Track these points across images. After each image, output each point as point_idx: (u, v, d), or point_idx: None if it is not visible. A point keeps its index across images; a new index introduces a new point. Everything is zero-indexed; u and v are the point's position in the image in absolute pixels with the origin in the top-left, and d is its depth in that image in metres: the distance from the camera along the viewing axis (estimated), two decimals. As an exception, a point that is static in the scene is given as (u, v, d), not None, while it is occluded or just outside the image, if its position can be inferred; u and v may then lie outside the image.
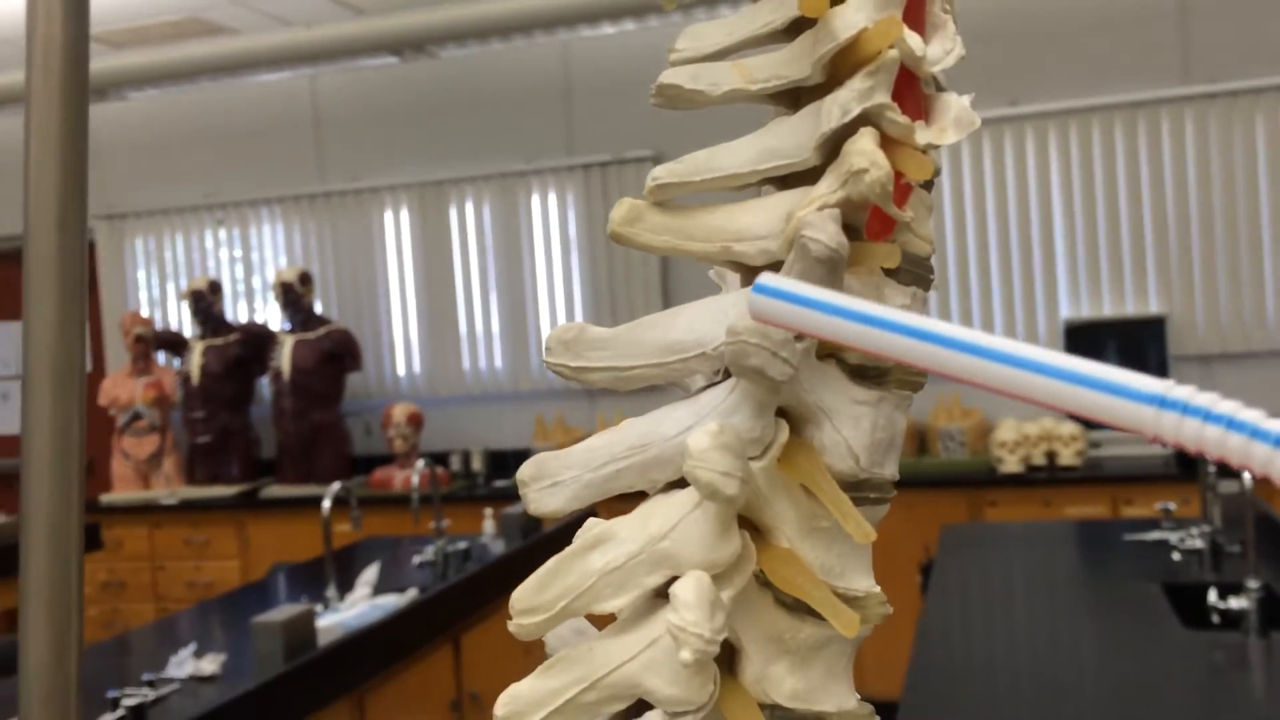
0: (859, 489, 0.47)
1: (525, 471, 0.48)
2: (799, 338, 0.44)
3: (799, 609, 0.47)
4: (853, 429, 0.47)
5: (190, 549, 5.38)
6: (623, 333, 0.48)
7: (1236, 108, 4.65)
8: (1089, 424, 4.64)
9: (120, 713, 2.14)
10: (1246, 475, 2.49)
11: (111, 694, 2.19)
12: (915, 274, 0.49)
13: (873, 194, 0.43)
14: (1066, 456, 4.49)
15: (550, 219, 5.48)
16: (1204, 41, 4.71)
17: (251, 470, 5.68)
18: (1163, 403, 0.31)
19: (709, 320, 0.47)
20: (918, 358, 0.34)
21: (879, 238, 0.47)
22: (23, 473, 0.51)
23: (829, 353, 0.47)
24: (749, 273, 0.48)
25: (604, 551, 0.45)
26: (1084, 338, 4.75)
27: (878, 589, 0.49)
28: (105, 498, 5.61)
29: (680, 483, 0.46)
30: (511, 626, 0.45)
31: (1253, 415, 0.30)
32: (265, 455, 5.80)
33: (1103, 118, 4.79)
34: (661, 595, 0.44)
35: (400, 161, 5.69)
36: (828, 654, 0.48)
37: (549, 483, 0.47)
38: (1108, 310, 4.84)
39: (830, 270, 0.43)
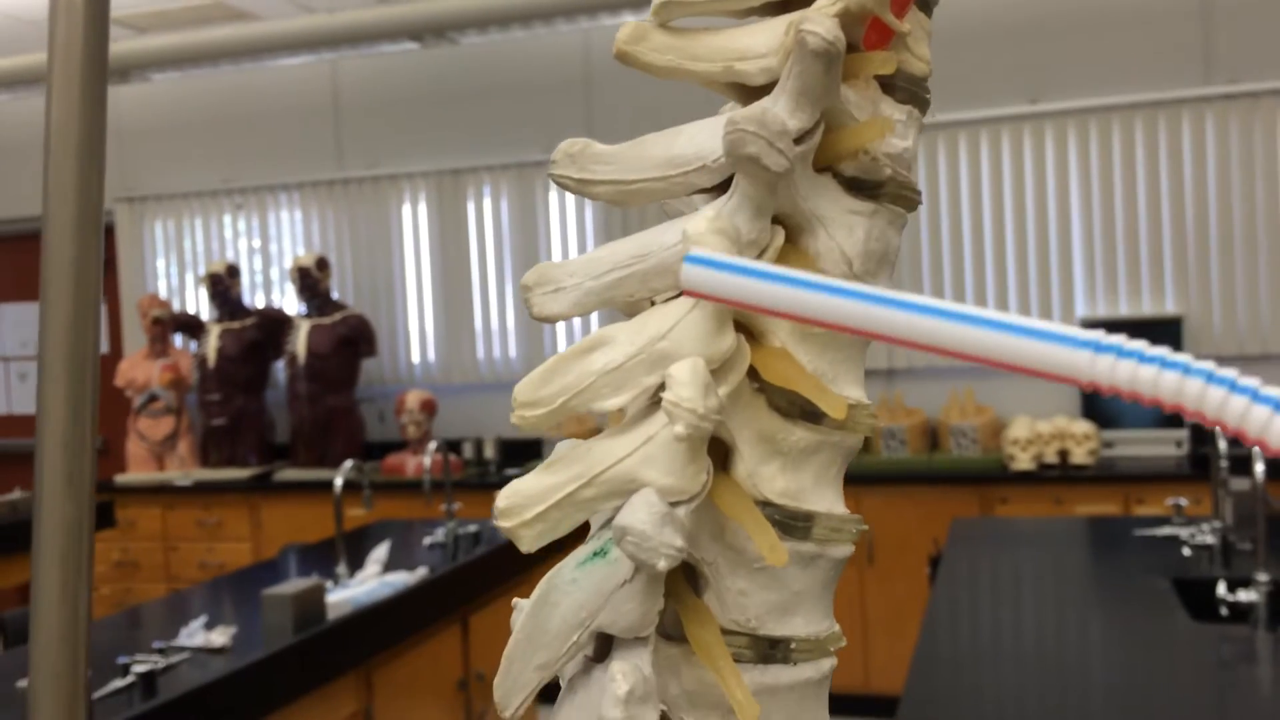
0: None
1: (528, 278, 0.48)
2: (799, 140, 0.45)
3: (791, 414, 0.47)
4: (846, 236, 0.48)
5: (203, 530, 5.41)
6: (626, 148, 0.49)
7: (1258, 109, 4.62)
8: (1102, 422, 4.63)
9: (131, 679, 2.15)
10: (1259, 470, 2.48)
11: (122, 660, 2.21)
12: (912, 92, 0.50)
13: (870, 2, 0.44)
14: (1079, 455, 4.47)
15: (567, 209, 5.49)
16: (1226, 42, 4.69)
17: (265, 454, 5.71)
18: (1097, 347, 0.31)
19: (709, 135, 0.48)
20: (854, 320, 0.34)
21: (876, 49, 0.47)
22: (37, 451, 0.52)
23: (826, 165, 0.48)
24: (749, 94, 0.48)
25: (604, 352, 0.46)
26: (1099, 337, 4.73)
27: (869, 402, 0.50)
28: (120, 478, 5.65)
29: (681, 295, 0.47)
30: (514, 418, 0.46)
31: (1183, 356, 0.30)
32: (279, 439, 5.84)
33: (1123, 116, 4.78)
34: (659, 400, 0.45)
35: (419, 149, 5.72)
36: (819, 459, 0.48)
37: (552, 288, 0.47)
38: (1124, 310, 4.82)
39: (827, 66, 0.44)
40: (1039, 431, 4.53)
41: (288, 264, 5.83)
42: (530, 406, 0.46)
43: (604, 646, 0.46)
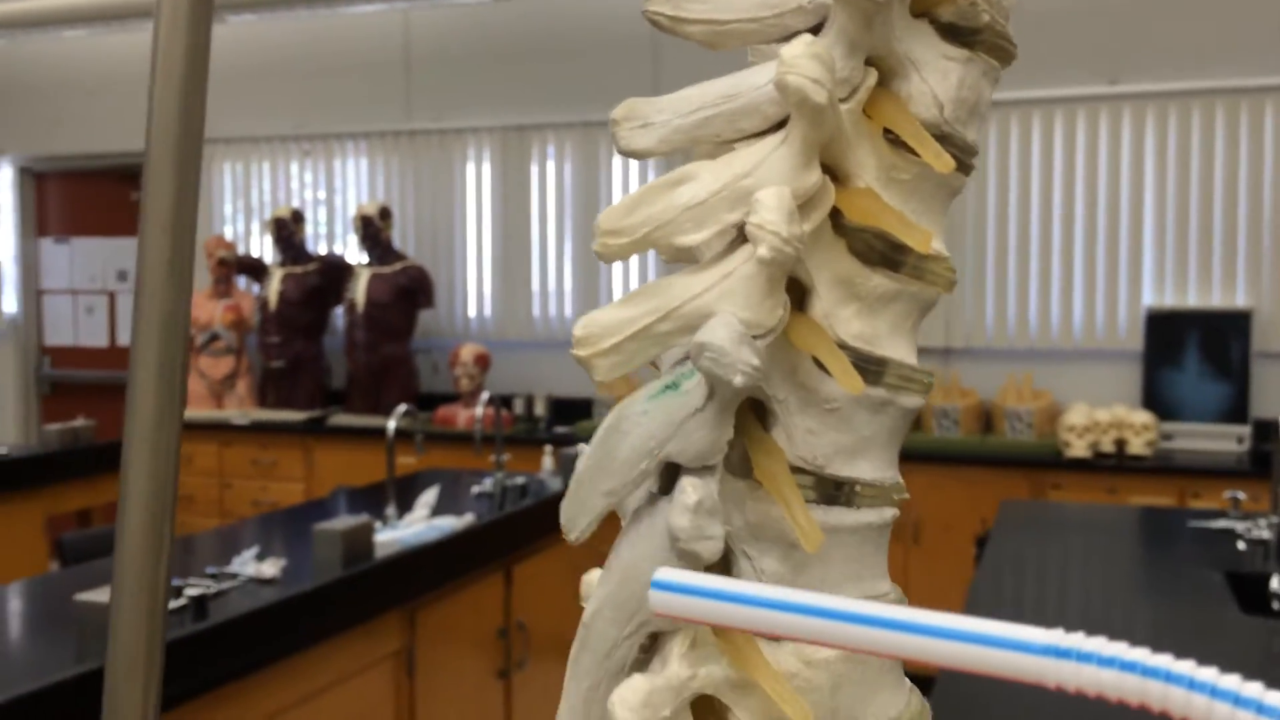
0: (940, 143, 0.47)
1: (618, 112, 0.48)
2: None
3: (871, 260, 0.47)
4: (940, 80, 0.47)
5: (257, 469, 5.52)
6: None
7: (1348, 100, 4.47)
8: (1162, 414, 4.55)
9: (183, 601, 2.21)
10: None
11: (175, 583, 2.27)
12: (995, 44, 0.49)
13: None
14: (1136, 446, 4.40)
15: (630, 170, 5.47)
16: (1319, 29, 4.54)
17: (320, 398, 5.80)
18: (1057, 652, 0.32)
19: None
20: (818, 634, 0.35)
21: None
22: (130, 378, 0.53)
23: (923, 10, 0.47)
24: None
25: (689, 187, 0.45)
26: (1165, 327, 4.64)
27: (948, 254, 0.49)
28: (180, 413, 5.77)
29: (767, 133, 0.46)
30: (596, 246, 0.46)
31: (1139, 654, 0.31)
32: (335, 385, 5.92)
33: (1204, 102, 4.65)
34: (741, 238, 0.45)
35: (485, 104, 5.73)
36: (895, 308, 0.48)
37: (640, 123, 0.47)
38: (1192, 300, 4.71)
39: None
40: (1096, 419, 4.46)
41: (351, 212, 5.89)
42: (614, 235, 0.46)
43: (669, 481, 0.46)
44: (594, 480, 0.45)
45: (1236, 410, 4.51)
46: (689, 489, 0.42)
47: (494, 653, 3.04)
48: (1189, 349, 4.60)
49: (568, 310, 5.60)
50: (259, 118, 6.18)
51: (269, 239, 5.97)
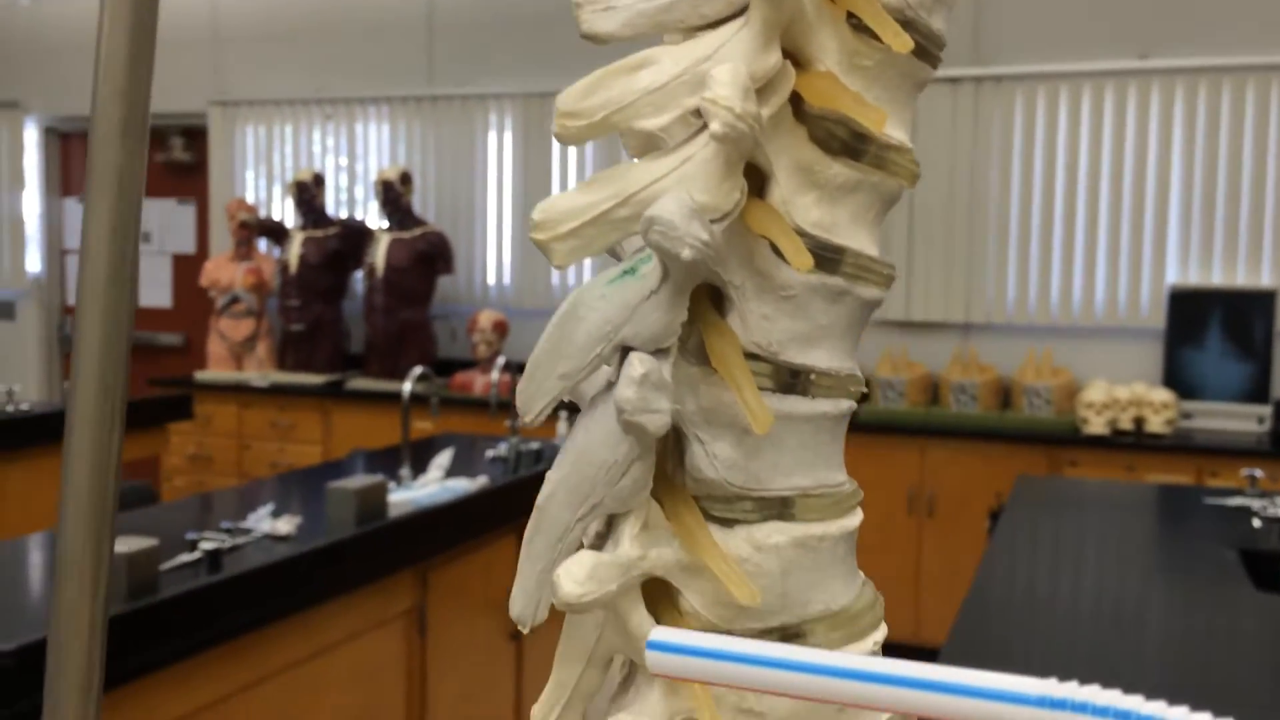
0: (904, 29, 0.46)
1: None
2: None
3: (832, 148, 0.47)
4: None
5: (276, 431, 5.56)
6: None
7: (1382, 77, 4.40)
8: (1183, 392, 4.51)
9: (198, 555, 2.23)
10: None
11: (190, 537, 2.29)
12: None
13: None
14: (1155, 424, 4.37)
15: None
16: (1355, 4, 4.46)
17: (339, 362, 5.82)
18: (1051, 703, 0.32)
19: None
20: (812, 690, 0.35)
21: None
22: (74, 351, 0.52)
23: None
24: None
25: (649, 71, 0.45)
26: (1188, 305, 4.60)
27: (912, 147, 0.49)
28: (199, 374, 5.82)
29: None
30: (555, 128, 0.46)
31: (1133, 702, 0.31)
32: (353, 349, 5.95)
33: (1235, 79, 4.58)
34: (703, 125, 0.44)
35: (508, 71, 5.71)
36: (856, 199, 0.48)
37: (603, 6, 0.47)
38: (1217, 279, 4.66)
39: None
40: (1115, 397, 4.43)
41: (372, 177, 5.89)
42: (572, 116, 0.46)
43: None
44: (550, 364, 0.45)
45: (1258, 390, 4.47)
46: (635, 362, 0.42)
47: (505, 615, 3.06)
48: (1211, 328, 4.56)
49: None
50: (281, 80, 6.18)
51: (290, 202, 5.99)
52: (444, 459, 3.16)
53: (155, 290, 6.73)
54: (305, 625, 2.34)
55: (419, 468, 3.20)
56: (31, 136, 6.82)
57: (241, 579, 2.16)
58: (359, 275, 5.83)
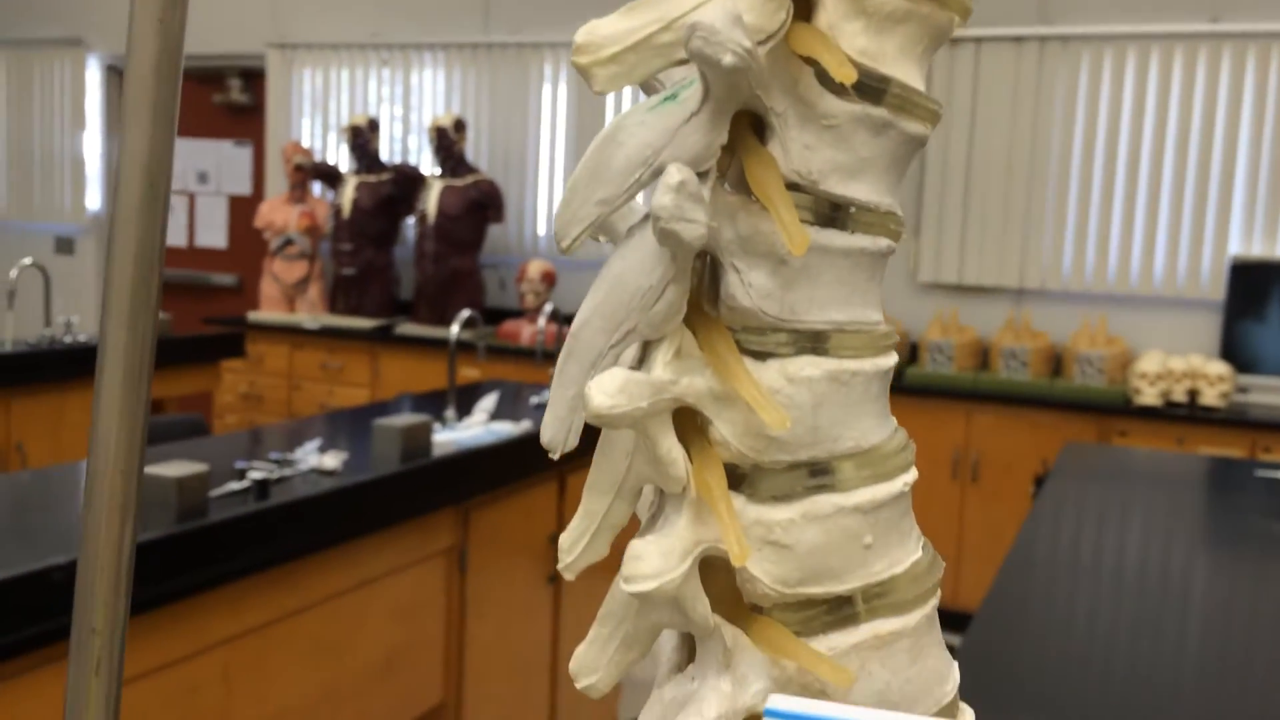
0: None
1: None
2: None
3: None
4: None
5: (326, 373, 5.64)
6: None
7: None
8: (1240, 366, 4.42)
9: (246, 484, 2.28)
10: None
11: (239, 466, 2.34)
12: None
13: None
14: (1210, 397, 4.29)
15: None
16: None
17: (389, 307, 5.88)
18: None
19: None
20: None
21: None
22: (105, 283, 0.53)
23: None
24: None
25: None
26: (1250, 277, 4.49)
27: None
28: (252, 315, 5.90)
29: None
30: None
31: None
32: (403, 295, 6.00)
33: (1312, 44, 4.43)
34: None
35: (565, 19, 5.67)
36: (905, 30, 0.46)
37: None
38: (1281, 252, 4.55)
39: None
40: (1170, 368, 4.35)
41: (426, 123, 5.90)
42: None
43: None
44: (588, 189, 0.45)
45: (1318, 366, 4.37)
46: (673, 170, 0.41)
47: (545, 558, 3.10)
48: (1273, 301, 4.46)
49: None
50: (338, 25, 6.20)
51: (345, 147, 6.02)
52: (489, 402, 3.19)
53: (211, 231, 6.82)
54: (348, 557, 2.38)
55: (464, 411, 3.23)
56: (94, 74, 6.91)
57: (288, 508, 2.20)
58: (410, 221, 5.86)
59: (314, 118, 6.34)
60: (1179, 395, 4.33)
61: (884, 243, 0.48)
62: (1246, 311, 4.49)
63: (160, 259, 0.52)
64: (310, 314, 5.87)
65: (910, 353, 5.02)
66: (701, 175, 0.44)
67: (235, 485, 2.27)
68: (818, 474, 0.46)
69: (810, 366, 0.46)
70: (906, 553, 0.48)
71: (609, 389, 0.43)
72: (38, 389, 3.89)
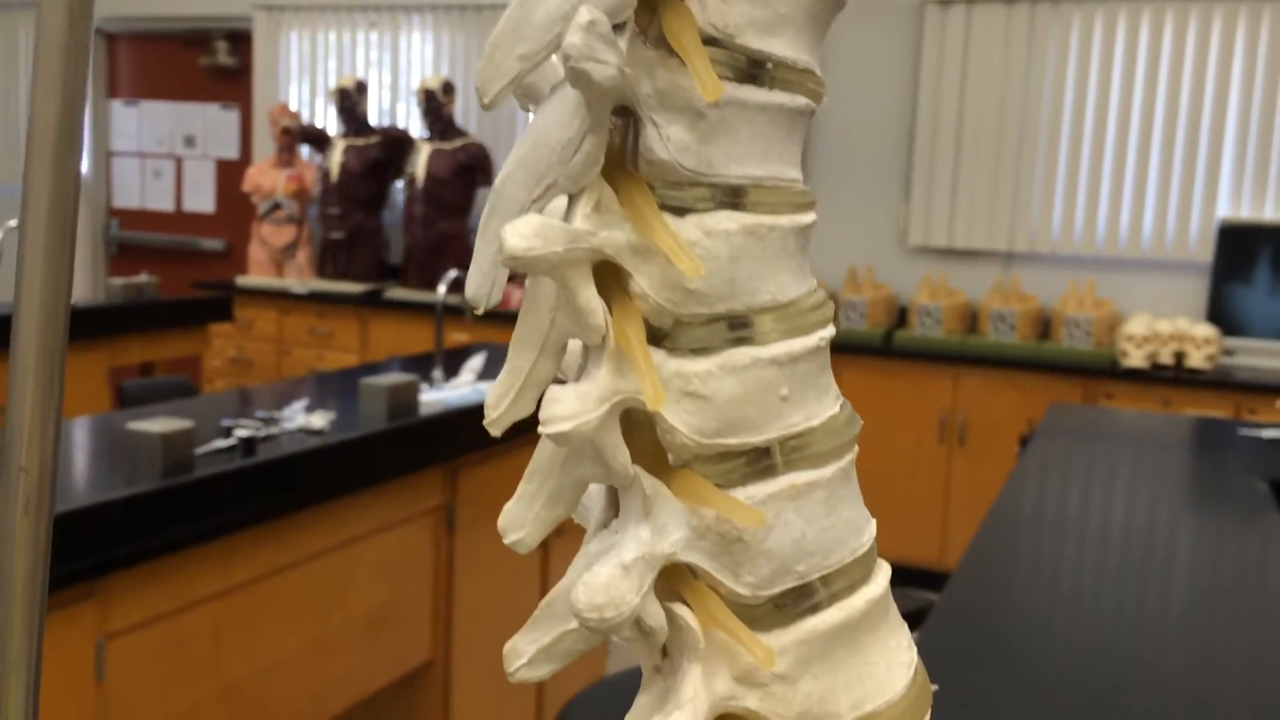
0: None
1: None
2: None
3: None
4: None
5: (314, 337, 5.63)
6: None
7: None
8: (1227, 329, 4.44)
9: (232, 441, 2.28)
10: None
11: (225, 423, 2.34)
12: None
13: None
14: (1196, 359, 4.31)
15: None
16: None
17: (378, 271, 5.86)
18: None
19: None
20: None
21: None
22: (19, 253, 0.52)
23: None
24: None
25: None
26: (1238, 240, 4.50)
27: None
28: (240, 279, 5.88)
29: None
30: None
31: None
32: (392, 260, 5.98)
33: (1303, 5, 4.42)
34: None
35: (554, -20, 5.62)
36: None
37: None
38: (1269, 214, 4.56)
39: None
40: (1157, 330, 4.37)
41: (415, 86, 5.86)
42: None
43: None
44: (509, 44, 0.45)
45: (1305, 328, 4.39)
46: (584, 11, 0.42)
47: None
48: (1261, 264, 4.47)
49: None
50: (326, -14, 6.14)
51: (333, 110, 5.98)
52: (476, 363, 3.19)
53: (199, 196, 6.78)
54: (336, 514, 2.39)
55: (452, 372, 3.23)
56: (78, 37, 6.83)
57: (274, 464, 2.21)
58: (399, 185, 5.83)
59: (301, 80, 6.29)
60: (1165, 358, 4.35)
61: (802, 100, 0.48)
62: (1234, 274, 4.51)
63: (74, 215, 0.51)
64: (299, 278, 5.86)
65: (899, 316, 5.03)
66: (619, 27, 0.44)
67: (222, 443, 2.27)
68: (736, 327, 0.47)
69: (727, 220, 0.47)
70: (823, 407, 0.50)
71: (524, 232, 0.43)
72: (25, 351, 3.88)
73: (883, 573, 0.52)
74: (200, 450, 2.19)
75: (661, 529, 0.47)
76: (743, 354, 0.48)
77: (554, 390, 0.45)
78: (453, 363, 3.42)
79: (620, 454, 0.46)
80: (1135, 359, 4.34)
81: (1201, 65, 4.59)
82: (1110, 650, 1.59)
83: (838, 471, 0.50)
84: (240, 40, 6.50)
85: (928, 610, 1.87)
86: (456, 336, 4.97)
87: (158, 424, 2.07)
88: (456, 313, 4.86)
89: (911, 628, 0.59)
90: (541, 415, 0.45)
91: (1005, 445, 4.40)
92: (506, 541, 0.49)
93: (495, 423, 0.48)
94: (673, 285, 0.46)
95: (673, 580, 0.48)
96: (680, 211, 0.47)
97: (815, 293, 0.51)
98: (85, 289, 6.74)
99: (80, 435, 2.43)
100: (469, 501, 2.83)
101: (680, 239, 0.46)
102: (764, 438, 0.48)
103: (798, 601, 0.48)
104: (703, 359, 0.47)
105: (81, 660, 1.82)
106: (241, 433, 2.30)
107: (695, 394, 0.47)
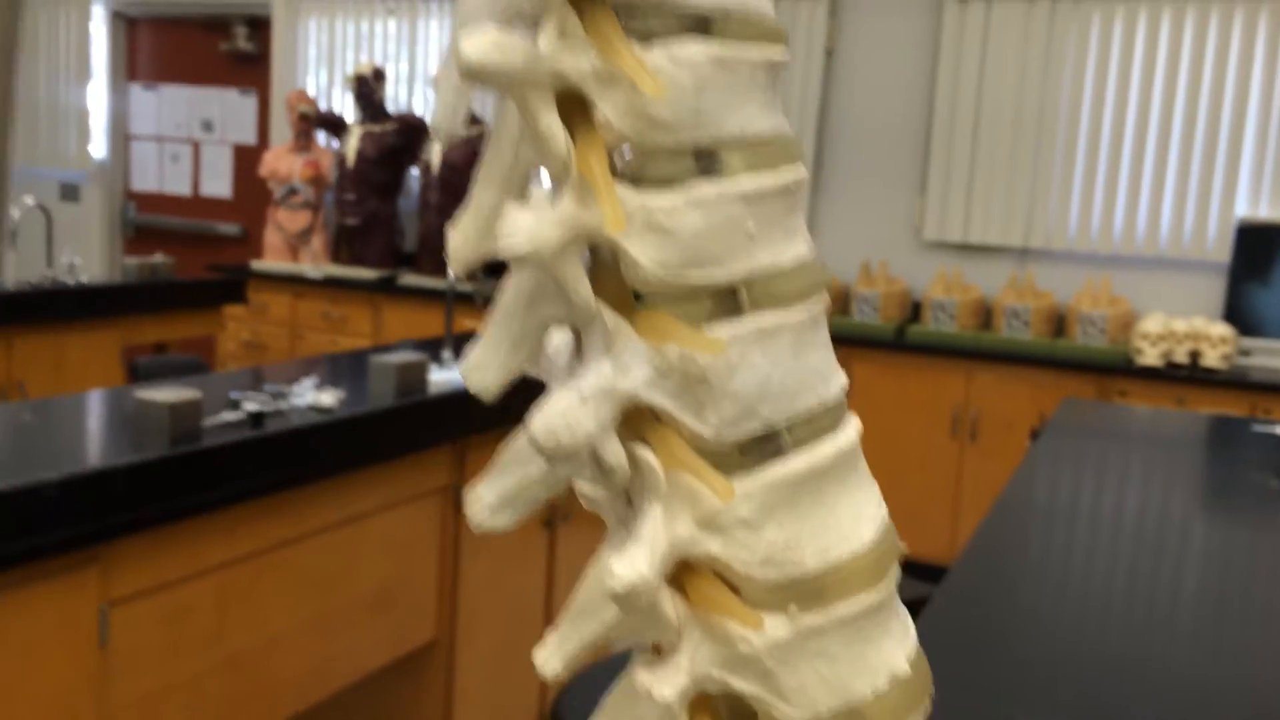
0: None
1: None
2: None
3: None
4: None
5: (328, 322, 5.64)
6: None
7: None
8: (1244, 329, 4.41)
9: (241, 414, 2.28)
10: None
11: (234, 396, 2.34)
12: None
13: None
14: (1211, 358, 4.28)
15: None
16: None
17: (392, 258, 5.87)
18: None
19: None
20: None
21: None
22: None
23: None
24: None
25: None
26: (1257, 240, 4.46)
27: None
28: (255, 263, 5.90)
29: None
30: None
31: None
32: (407, 248, 5.99)
33: (1327, 3, 4.38)
34: None
35: (573, -31, 5.62)
36: None
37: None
38: (1289, 214, 4.52)
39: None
40: (1173, 329, 4.34)
41: (432, 72, 5.86)
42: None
43: None
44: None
45: (1322, 329, 4.35)
46: None
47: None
48: (1278, 263, 4.43)
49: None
50: (346, -28, 6.15)
51: (350, 96, 5.99)
52: (487, 345, 3.19)
53: (215, 181, 6.80)
54: (342, 491, 2.39)
55: (461, 354, 3.23)
56: (99, 22, 6.86)
57: (281, 437, 2.21)
58: (415, 172, 5.84)
59: (319, 67, 6.31)
60: (1180, 356, 4.32)
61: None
62: (1251, 274, 4.47)
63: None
64: (313, 264, 5.87)
65: (913, 310, 5.01)
66: None
67: (230, 415, 2.27)
68: (703, 159, 0.47)
69: (695, 48, 0.46)
70: (791, 248, 0.49)
71: (481, 44, 0.43)
72: (40, 328, 3.90)
73: (852, 425, 0.51)
74: (208, 422, 2.19)
75: (624, 366, 0.46)
76: (709, 188, 0.47)
77: (512, 211, 0.45)
78: (463, 345, 3.42)
79: (582, 287, 0.46)
80: (1150, 357, 4.31)
81: (1222, 63, 4.55)
82: (1119, 643, 1.57)
83: (806, 316, 0.49)
84: (259, 26, 6.51)
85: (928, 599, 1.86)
86: (468, 323, 4.97)
87: (166, 393, 2.08)
88: (468, 299, 4.86)
89: (913, 615, 0.58)
90: (499, 232, 0.44)
91: (1017, 441, 4.38)
92: (468, 382, 0.48)
93: (460, 262, 0.47)
94: (637, 113, 0.46)
95: (636, 425, 0.47)
96: (646, 36, 0.46)
97: (785, 132, 0.50)
98: (101, 267, 6.77)
99: (90, 405, 2.44)
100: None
101: (643, 59, 0.45)
102: (729, 274, 0.47)
103: (762, 446, 0.48)
104: (668, 193, 0.46)
105: (85, 626, 1.83)
106: (250, 406, 2.30)
107: (659, 227, 0.46)
